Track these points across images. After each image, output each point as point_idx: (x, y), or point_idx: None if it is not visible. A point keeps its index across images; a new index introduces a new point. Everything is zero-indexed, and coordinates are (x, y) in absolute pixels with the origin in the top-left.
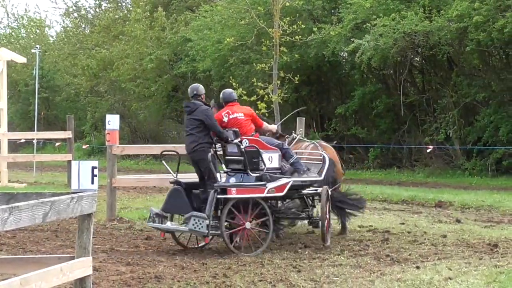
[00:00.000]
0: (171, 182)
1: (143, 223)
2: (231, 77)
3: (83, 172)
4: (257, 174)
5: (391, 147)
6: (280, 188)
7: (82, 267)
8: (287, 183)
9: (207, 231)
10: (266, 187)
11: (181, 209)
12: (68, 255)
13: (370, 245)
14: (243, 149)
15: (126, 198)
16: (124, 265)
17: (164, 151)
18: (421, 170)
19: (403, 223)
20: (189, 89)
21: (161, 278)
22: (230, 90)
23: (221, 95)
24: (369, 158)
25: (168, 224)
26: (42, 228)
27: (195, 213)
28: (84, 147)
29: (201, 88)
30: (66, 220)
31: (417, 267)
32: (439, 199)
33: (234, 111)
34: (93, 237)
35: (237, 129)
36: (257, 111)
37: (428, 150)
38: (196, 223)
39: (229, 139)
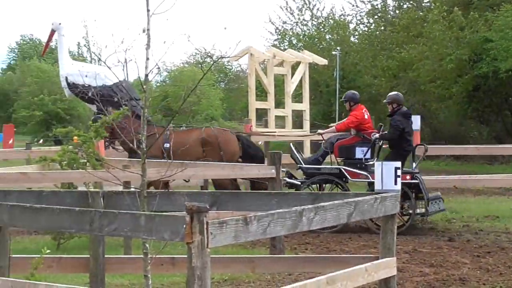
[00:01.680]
0: None
1: (445, 225)
2: None
3: (386, 173)
4: None
5: None
6: None
7: (387, 267)
8: None
9: None
10: None
11: None
12: (372, 255)
13: None
14: None
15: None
16: (428, 266)
17: None
18: None
19: None
20: (400, 97)
21: (465, 281)
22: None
23: (352, 95)
24: None
25: None
26: (345, 229)
27: None
28: (384, 147)
29: None
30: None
31: None
32: None
33: (366, 111)
34: (396, 238)
35: None
36: None
37: None
38: None
39: None
